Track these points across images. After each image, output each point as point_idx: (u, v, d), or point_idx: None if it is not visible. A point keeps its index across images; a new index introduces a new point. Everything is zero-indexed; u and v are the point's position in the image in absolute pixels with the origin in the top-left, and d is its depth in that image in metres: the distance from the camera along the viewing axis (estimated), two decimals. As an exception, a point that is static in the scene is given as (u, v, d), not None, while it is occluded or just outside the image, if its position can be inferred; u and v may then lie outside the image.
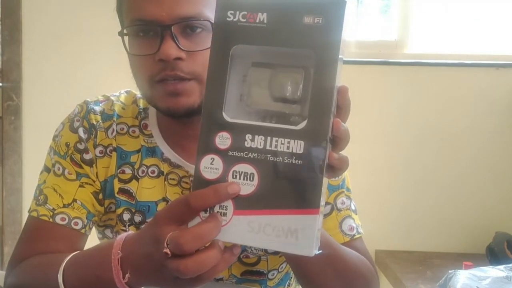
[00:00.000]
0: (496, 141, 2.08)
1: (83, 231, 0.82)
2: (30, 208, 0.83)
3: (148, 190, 0.84)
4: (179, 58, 0.73)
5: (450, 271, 1.30)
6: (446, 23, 2.22)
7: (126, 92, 0.91)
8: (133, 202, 0.84)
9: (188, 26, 0.74)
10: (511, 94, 2.10)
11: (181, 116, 0.77)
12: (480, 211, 2.13)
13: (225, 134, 0.48)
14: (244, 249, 0.84)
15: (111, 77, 2.07)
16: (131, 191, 0.84)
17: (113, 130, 0.85)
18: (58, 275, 0.66)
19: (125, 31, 0.78)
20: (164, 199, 0.84)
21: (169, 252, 0.49)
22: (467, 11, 2.22)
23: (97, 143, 0.84)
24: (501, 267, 1.28)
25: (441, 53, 2.15)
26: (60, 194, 0.82)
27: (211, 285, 0.82)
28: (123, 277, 0.57)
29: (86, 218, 0.82)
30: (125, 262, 0.58)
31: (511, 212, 2.12)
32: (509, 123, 2.06)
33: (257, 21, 0.48)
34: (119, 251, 0.58)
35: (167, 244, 0.49)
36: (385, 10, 2.37)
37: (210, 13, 0.75)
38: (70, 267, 0.67)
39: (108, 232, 0.89)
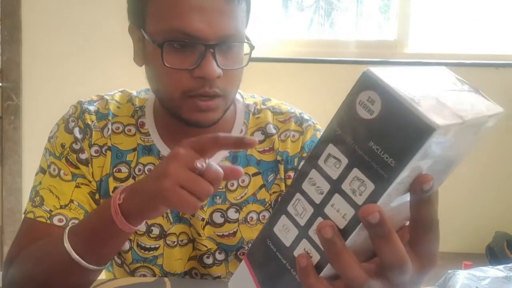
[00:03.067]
0: (496, 141, 2.08)
1: (69, 226, 0.82)
2: (25, 210, 0.82)
3: None
4: (218, 77, 0.74)
5: (449, 271, 1.30)
6: (446, 23, 2.22)
7: (121, 91, 0.91)
8: None
9: (228, 45, 0.75)
10: (511, 94, 2.10)
11: (204, 128, 0.79)
12: (480, 211, 2.13)
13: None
14: (240, 246, 0.85)
15: (110, 77, 2.08)
16: None
17: (108, 129, 0.85)
18: (64, 239, 0.69)
19: (148, 37, 0.76)
20: None
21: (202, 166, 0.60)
22: (467, 11, 2.23)
23: (92, 143, 0.84)
24: (501, 267, 1.28)
25: (440, 53, 2.15)
26: (56, 195, 0.81)
27: (209, 284, 0.83)
28: (119, 199, 0.64)
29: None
30: (124, 190, 0.65)
31: (511, 212, 2.12)
32: (509, 123, 2.06)
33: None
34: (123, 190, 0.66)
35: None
36: (384, 10, 2.38)
37: (243, 30, 0.77)
38: (73, 228, 0.71)
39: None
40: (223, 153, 0.85)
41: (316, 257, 0.40)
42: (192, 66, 0.73)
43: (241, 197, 0.85)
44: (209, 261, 0.84)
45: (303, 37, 2.34)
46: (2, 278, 0.80)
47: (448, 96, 0.37)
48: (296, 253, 0.41)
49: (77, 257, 0.68)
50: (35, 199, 0.82)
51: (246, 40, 0.77)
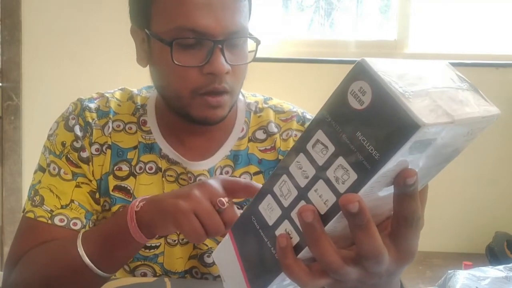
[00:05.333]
0: (496, 141, 2.08)
1: (82, 231, 0.82)
2: (24, 209, 0.82)
3: (146, 187, 0.84)
4: (226, 72, 0.74)
5: (449, 271, 1.30)
6: (446, 23, 2.22)
7: (121, 89, 0.91)
8: (130, 199, 0.84)
9: (235, 40, 0.75)
10: (511, 94, 2.10)
11: (211, 125, 0.80)
12: (480, 211, 2.13)
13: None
14: None
15: (111, 76, 2.08)
16: (128, 188, 0.84)
17: (109, 127, 0.85)
18: (77, 244, 0.70)
19: (154, 36, 0.76)
20: None
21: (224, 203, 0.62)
22: (467, 11, 2.22)
23: (92, 141, 0.84)
24: (501, 267, 1.29)
25: (440, 53, 2.15)
26: (57, 195, 0.81)
27: (209, 284, 0.82)
28: (137, 206, 0.66)
29: (85, 217, 0.82)
30: (143, 199, 0.68)
31: (511, 212, 2.12)
32: (509, 123, 2.06)
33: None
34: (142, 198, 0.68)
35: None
36: (385, 9, 2.38)
37: (247, 25, 0.77)
38: (87, 233, 0.72)
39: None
40: (224, 152, 0.85)
41: (296, 239, 0.41)
42: (202, 63, 0.74)
43: None
44: (210, 260, 0.84)
45: (303, 37, 2.34)
46: (3, 278, 0.80)
47: (443, 93, 0.37)
48: (277, 232, 0.42)
49: (89, 262, 0.69)
50: (34, 198, 0.82)
51: (250, 36, 0.78)
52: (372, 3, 2.36)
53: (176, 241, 0.84)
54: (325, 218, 0.39)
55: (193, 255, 0.85)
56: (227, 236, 0.48)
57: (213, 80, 0.74)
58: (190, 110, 0.77)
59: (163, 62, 0.76)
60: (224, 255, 0.48)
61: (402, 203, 0.38)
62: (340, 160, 0.37)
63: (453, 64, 0.41)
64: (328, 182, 0.38)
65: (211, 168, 0.84)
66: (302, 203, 0.40)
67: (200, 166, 0.84)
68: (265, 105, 0.90)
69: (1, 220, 2.19)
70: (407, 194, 0.37)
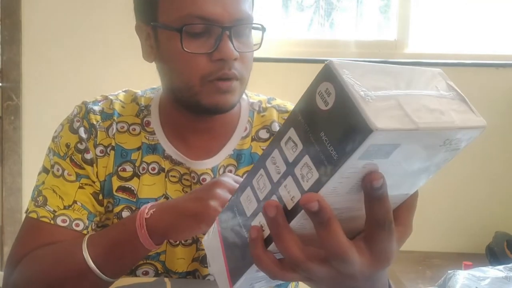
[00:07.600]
0: (496, 141, 2.08)
1: (84, 232, 0.82)
2: (27, 209, 0.83)
3: (149, 187, 0.84)
4: (235, 59, 0.76)
5: (449, 271, 1.30)
6: (446, 23, 2.22)
7: (124, 91, 0.92)
8: (134, 200, 0.84)
9: (242, 28, 0.77)
10: (511, 94, 2.10)
11: (222, 113, 0.80)
12: (480, 211, 2.13)
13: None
14: None
15: (110, 76, 2.08)
16: (132, 188, 0.84)
17: (113, 129, 0.85)
18: (83, 247, 0.70)
19: (163, 26, 0.77)
20: (165, 196, 0.84)
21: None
22: (467, 11, 2.23)
23: (97, 143, 0.84)
24: (501, 267, 1.29)
25: (440, 53, 2.15)
26: (60, 196, 0.81)
27: (210, 284, 0.82)
28: (146, 213, 0.66)
29: (87, 219, 0.82)
30: (152, 206, 0.68)
31: (511, 212, 2.12)
32: (509, 123, 2.06)
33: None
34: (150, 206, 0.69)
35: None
36: (384, 10, 2.38)
37: (252, 14, 0.80)
38: (93, 237, 0.72)
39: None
40: (228, 151, 0.85)
41: (267, 231, 0.42)
42: (210, 50, 0.75)
43: None
44: None
45: (303, 37, 2.34)
46: (3, 278, 0.80)
47: (416, 100, 0.37)
48: (252, 224, 0.43)
49: (94, 266, 0.69)
50: (38, 198, 0.82)
51: (256, 24, 0.80)
52: (372, 3, 2.36)
53: (178, 242, 0.84)
54: (291, 214, 0.39)
55: (196, 257, 0.85)
56: (215, 223, 0.50)
57: (222, 66, 0.75)
58: (200, 98, 0.78)
59: (172, 51, 0.77)
60: (211, 240, 0.50)
61: (371, 206, 0.38)
62: (306, 159, 0.38)
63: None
64: (295, 179, 0.39)
65: (214, 167, 0.84)
66: (274, 197, 0.41)
67: (204, 165, 0.84)
68: (269, 105, 0.90)
69: (1, 220, 2.19)
70: (375, 197, 0.38)
